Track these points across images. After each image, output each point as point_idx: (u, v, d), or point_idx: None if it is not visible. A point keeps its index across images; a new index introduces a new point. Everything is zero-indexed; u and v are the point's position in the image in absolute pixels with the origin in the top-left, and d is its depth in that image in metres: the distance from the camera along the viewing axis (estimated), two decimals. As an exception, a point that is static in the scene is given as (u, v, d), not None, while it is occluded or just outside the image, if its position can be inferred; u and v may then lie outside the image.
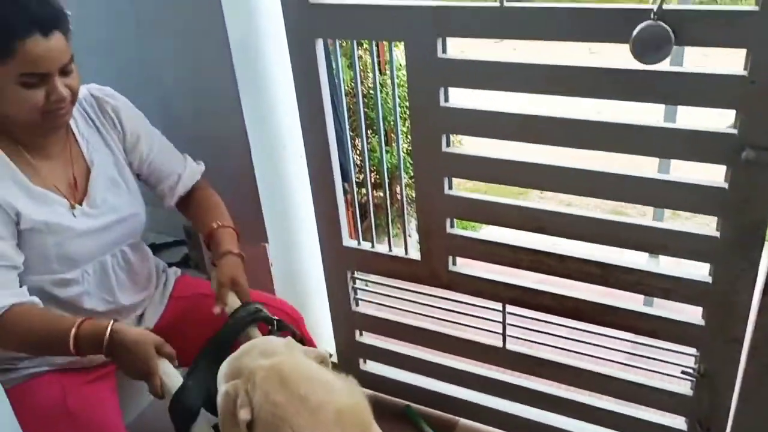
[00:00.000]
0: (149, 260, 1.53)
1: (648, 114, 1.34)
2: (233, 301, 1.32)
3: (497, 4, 1.29)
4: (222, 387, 1.02)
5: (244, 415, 0.97)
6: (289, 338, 1.15)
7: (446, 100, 1.47)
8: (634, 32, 1.17)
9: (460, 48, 1.42)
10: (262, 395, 0.98)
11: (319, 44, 1.55)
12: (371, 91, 3.34)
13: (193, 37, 1.54)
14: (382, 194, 1.83)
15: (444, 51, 1.42)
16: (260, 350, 1.07)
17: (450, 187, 1.58)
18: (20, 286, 1.24)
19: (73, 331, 1.17)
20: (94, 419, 1.29)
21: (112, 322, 1.19)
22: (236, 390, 0.99)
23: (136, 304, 1.47)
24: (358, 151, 3.38)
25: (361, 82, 3.54)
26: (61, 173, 1.32)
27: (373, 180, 3.62)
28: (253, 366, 1.02)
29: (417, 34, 1.40)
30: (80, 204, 1.33)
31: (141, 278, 1.48)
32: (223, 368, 1.08)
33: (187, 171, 1.50)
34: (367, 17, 1.45)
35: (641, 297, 1.69)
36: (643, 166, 1.43)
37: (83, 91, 1.35)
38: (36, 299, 1.25)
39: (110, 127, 1.39)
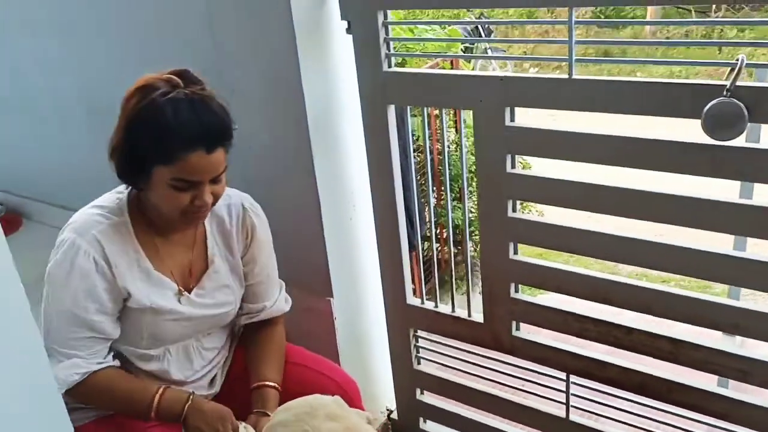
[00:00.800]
0: (225, 333, 1.57)
1: (723, 187, 1.30)
2: None
3: (566, 75, 1.31)
4: None
5: None
6: (338, 398, 1.20)
7: (513, 166, 1.48)
8: (706, 108, 1.15)
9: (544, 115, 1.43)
10: None
11: (391, 110, 1.60)
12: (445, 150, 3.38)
13: (273, 103, 1.62)
14: (448, 251, 1.85)
15: (512, 119, 1.43)
16: (326, 413, 1.13)
17: (515, 252, 1.58)
18: (108, 353, 1.33)
19: (155, 401, 1.30)
20: None
21: (191, 395, 1.33)
22: None
23: (210, 371, 1.53)
24: (427, 208, 3.42)
25: (437, 140, 3.62)
26: (180, 258, 1.39)
27: (442, 237, 3.66)
28: (325, 429, 1.12)
29: (485, 103, 1.43)
30: (189, 292, 1.40)
31: (217, 352, 1.54)
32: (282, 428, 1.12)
33: (275, 307, 1.54)
34: (437, 85, 1.49)
35: (715, 376, 1.61)
36: (717, 242, 1.38)
37: (237, 198, 1.45)
38: (118, 363, 1.34)
39: (241, 238, 1.46)
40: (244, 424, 1.37)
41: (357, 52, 1.56)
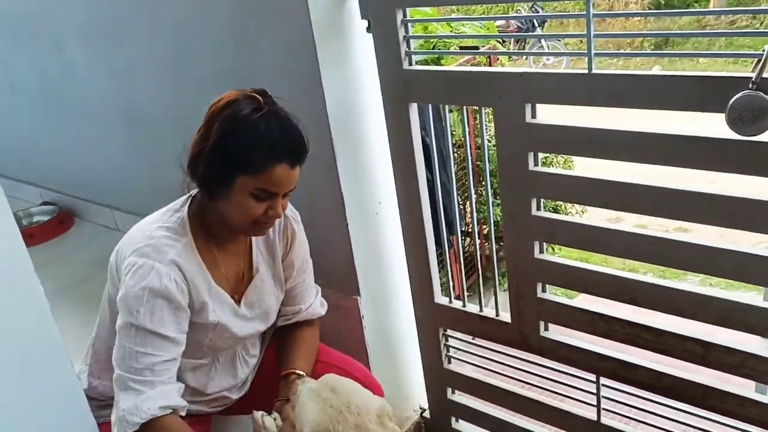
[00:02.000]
0: (263, 338, 1.61)
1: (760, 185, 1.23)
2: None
3: (585, 70, 1.27)
4: None
5: None
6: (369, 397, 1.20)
7: (536, 164, 1.45)
8: (731, 102, 1.10)
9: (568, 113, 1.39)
10: None
11: (413, 108, 1.59)
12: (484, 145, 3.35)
13: (295, 99, 1.63)
14: (489, 248, 1.82)
15: (533, 116, 1.40)
16: (354, 424, 1.17)
17: (541, 251, 1.55)
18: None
19: None
20: None
21: None
22: None
23: (248, 376, 1.57)
24: (468, 204, 3.38)
25: (477, 135, 3.57)
26: (234, 265, 1.43)
27: (482, 234, 3.60)
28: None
29: (504, 100, 1.40)
30: (239, 300, 1.43)
31: (257, 359, 1.59)
32: (308, 409, 1.16)
33: (310, 309, 1.56)
34: (457, 83, 1.47)
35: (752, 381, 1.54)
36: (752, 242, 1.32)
37: None
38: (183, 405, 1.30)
39: (281, 244, 1.49)
40: (274, 414, 1.38)
41: (377, 51, 1.56)
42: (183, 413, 1.28)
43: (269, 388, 1.50)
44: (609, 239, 1.41)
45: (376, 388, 1.54)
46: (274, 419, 1.36)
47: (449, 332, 1.86)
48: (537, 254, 1.54)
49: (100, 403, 1.45)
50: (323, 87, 1.55)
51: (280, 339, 1.58)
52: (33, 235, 2.79)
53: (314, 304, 1.58)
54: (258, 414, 1.34)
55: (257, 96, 1.29)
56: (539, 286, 1.58)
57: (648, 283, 1.42)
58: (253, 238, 1.45)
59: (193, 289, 1.31)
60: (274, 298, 1.50)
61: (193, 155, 1.30)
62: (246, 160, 1.25)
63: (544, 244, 1.55)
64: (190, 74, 1.97)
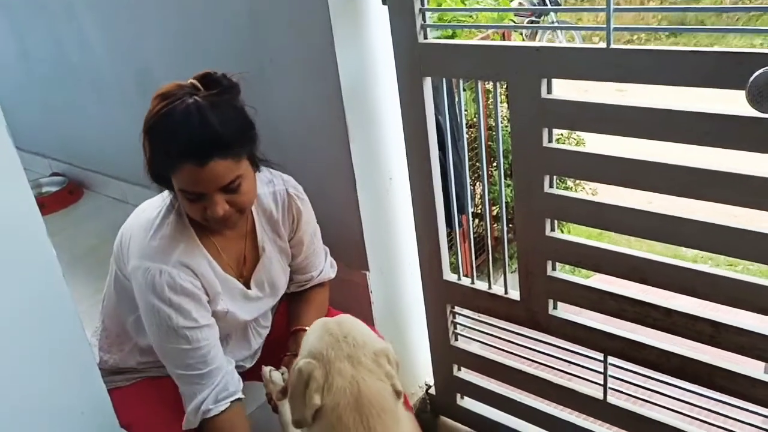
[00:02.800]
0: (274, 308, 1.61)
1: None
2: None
3: (603, 45, 1.25)
4: (300, 360, 1.14)
5: (317, 400, 1.09)
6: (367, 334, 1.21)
7: (550, 140, 1.44)
8: (751, 78, 1.08)
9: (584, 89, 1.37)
10: (332, 404, 1.09)
11: (427, 82, 1.57)
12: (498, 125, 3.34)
13: (307, 73, 1.62)
14: (500, 229, 1.81)
15: (549, 91, 1.39)
16: (347, 353, 1.14)
17: (552, 229, 1.54)
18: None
19: None
20: None
21: None
22: (310, 373, 1.11)
23: (260, 346, 1.59)
24: (479, 184, 3.37)
25: (490, 116, 3.55)
26: (234, 249, 1.41)
27: (492, 215, 3.58)
28: (336, 367, 1.12)
29: (520, 75, 1.38)
30: (246, 281, 1.43)
31: (269, 329, 1.60)
32: (310, 337, 1.19)
33: (321, 275, 1.58)
34: (473, 57, 1.46)
35: (762, 363, 1.54)
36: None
37: (281, 184, 1.45)
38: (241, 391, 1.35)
39: (288, 223, 1.48)
40: (282, 368, 1.40)
41: (392, 24, 1.54)
42: (242, 396, 1.33)
43: (279, 351, 1.51)
44: (621, 217, 1.40)
45: None
46: (282, 374, 1.38)
47: (457, 309, 1.86)
48: (548, 232, 1.54)
49: (111, 370, 1.46)
50: (337, 60, 1.54)
51: (290, 299, 1.59)
52: (42, 205, 2.79)
53: (324, 269, 1.59)
54: (266, 369, 1.35)
55: (195, 83, 1.22)
56: (549, 265, 1.58)
57: (659, 262, 1.41)
58: (257, 220, 1.42)
59: (205, 282, 1.31)
60: (282, 272, 1.50)
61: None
62: (158, 161, 1.21)
63: (555, 222, 1.54)
64: (203, 46, 1.96)
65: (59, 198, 3.00)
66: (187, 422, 1.29)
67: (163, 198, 1.34)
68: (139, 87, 2.45)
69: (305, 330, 1.42)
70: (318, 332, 1.20)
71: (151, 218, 1.33)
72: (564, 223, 3.23)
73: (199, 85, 1.23)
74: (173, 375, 1.29)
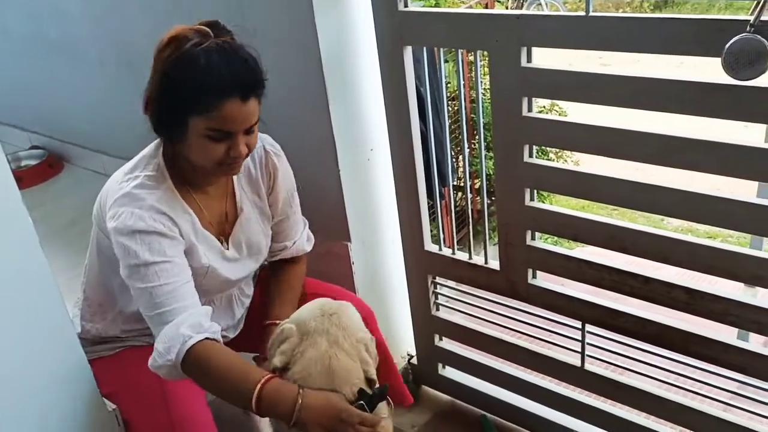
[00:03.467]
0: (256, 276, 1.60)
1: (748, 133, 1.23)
2: None
3: (583, 13, 1.25)
4: (287, 323, 1.22)
5: (276, 362, 1.17)
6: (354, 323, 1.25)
7: (530, 110, 1.44)
8: (727, 45, 1.08)
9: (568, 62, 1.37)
10: (304, 374, 1.15)
11: (408, 52, 1.56)
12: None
13: (285, 43, 1.61)
14: (480, 201, 1.82)
15: (529, 60, 1.38)
16: (327, 329, 1.19)
17: (531, 199, 1.55)
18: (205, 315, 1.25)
19: (256, 393, 1.13)
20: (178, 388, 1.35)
21: (299, 392, 1.13)
22: (286, 336, 1.19)
23: (243, 315, 1.58)
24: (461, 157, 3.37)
25: (471, 88, 3.54)
26: (216, 208, 1.39)
27: (474, 188, 3.60)
28: (313, 339, 1.18)
29: (501, 43, 1.38)
30: (226, 241, 1.41)
31: (251, 298, 1.59)
32: (304, 308, 1.26)
33: (295, 246, 1.55)
34: (453, 25, 1.45)
35: (734, 329, 1.57)
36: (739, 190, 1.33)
37: (258, 141, 1.39)
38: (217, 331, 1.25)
39: (265, 179, 1.45)
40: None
41: (372, -9, 1.53)
42: (218, 337, 1.23)
43: (261, 321, 1.51)
44: (599, 186, 1.42)
45: (367, 315, 1.56)
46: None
47: (438, 280, 1.88)
48: (527, 202, 1.54)
49: (94, 340, 1.46)
50: (317, 29, 1.52)
51: (265, 281, 1.58)
52: (21, 179, 2.77)
53: (299, 240, 1.56)
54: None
55: (204, 28, 1.22)
56: (528, 234, 1.59)
57: (636, 230, 1.43)
58: (235, 179, 1.41)
59: (182, 232, 1.29)
60: (262, 235, 1.48)
61: (146, 99, 1.25)
62: (192, 100, 1.18)
63: (535, 191, 1.55)
64: (183, 17, 1.92)
65: (39, 171, 2.97)
66: (153, 360, 1.20)
67: (138, 160, 1.34)
68: (119, 60, 2.42)
69: (276, 324, 1.36)
70: (312, 306, 1.25)
71: (126, 170, 1.32)
72: (546, 195, 3.26)
73: (208, 30, 1.22)
74: (147, 320, 1.24)
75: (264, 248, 1.50)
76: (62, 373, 1.25)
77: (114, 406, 1.35)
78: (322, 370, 1.14)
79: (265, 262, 1.56)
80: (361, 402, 1.13)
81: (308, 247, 1.59)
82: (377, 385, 1.21)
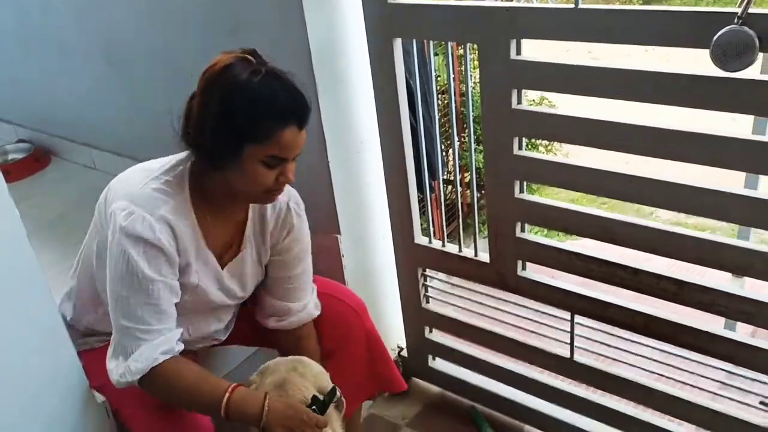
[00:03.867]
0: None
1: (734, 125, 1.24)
2: None
3: (572, 5, 1.25)
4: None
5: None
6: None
7: (519, 102, 1.44)
8: (716, 37, 1.09)
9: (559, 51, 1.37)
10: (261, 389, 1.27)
11: (397, 44, 1.56)
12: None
13: (274, 35, 1.60)
14: (470, 195, 1.82)
15: (518, 53, 1.39)
16: (290, 367, 1.32)
17: (521, 191, 1.55)
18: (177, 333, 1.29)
19: (225, 401, 1.22)
20: None
21: (266, 399, 1.22)
22: (251, 382, 1.31)
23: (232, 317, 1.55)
24: (451, 151, 3.38)
25: (461, 81, 3.54)
26: (223, 235, 1.38)
27: (464, 181, 3.62)
28: (272, 369, 1.32)
29: (490, 35, 1.38)
30: (222, 269, 1.39)
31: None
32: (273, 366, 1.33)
33: (308, 309, 1.50)
34: (442, 18, 1.45)
35: (722, 319, 1.58)
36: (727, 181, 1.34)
37: (285, 194, 1.39)
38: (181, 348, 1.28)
39: (276, 232, 1.44)
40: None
41: (361, -17, 1.52)
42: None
43: (251, 318, 1.51)
44: (587, 178, 1.42)
45: (360, 307, 1.57)
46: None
47: (428, 272, 1.88)
48: (517, 194, 1.55)
49: (85, 332, 1.45)
50: (306, 23, 1.52)
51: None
52: (8, 172, 2.74)
53: (309, 305, 1.51)
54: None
55: (248, 56, 1.23)
56: (518, 226, 1.60)
57: (626, 222, 1.43)
58: (250, 215, 1.40)
59: (182, 247, 1.28)
60: (252, 276, 1.46)
61: (193, 124, 1.23)
62: (253, 128, 1.20)
63: (524, 184, 1.55)
64: (170, 13, 1.92)
65: (25, 165, 2.93)
66: (122, 377, 1.22)
67: (163, 164, 1.32)
68: (105, 53, 2.39)
69: None
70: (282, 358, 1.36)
71: (152, 168, 1.31)
72: (536, 188, 3.28)
73: (252, 59, 1.22)
74: (117, 326, 1.24)
75: (248, 291, 1.48)
76: (51, 367, 1.25)
77: (103, 399, 1.34)
78: (276, 383, 1.26)
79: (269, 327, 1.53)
80: (314, 407, 1.24)
81: (316, 312, 1.53)
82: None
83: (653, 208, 1.40)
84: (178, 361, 1.24)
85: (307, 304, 1.50)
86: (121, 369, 1.22)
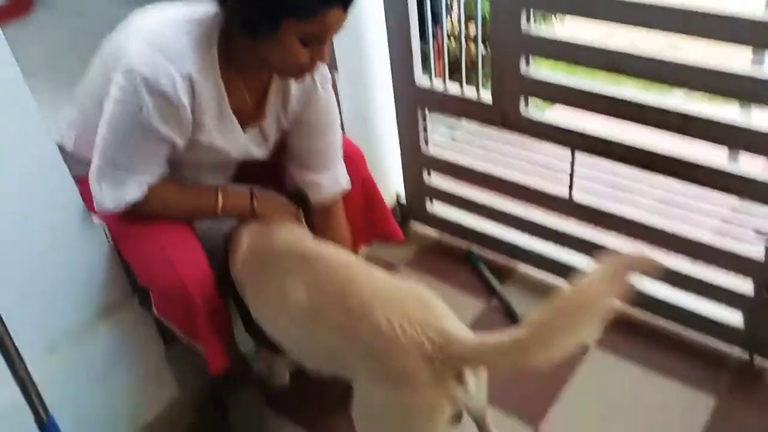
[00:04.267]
0: None
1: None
2: None
3: None
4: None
5: None
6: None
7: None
8: None
9: None
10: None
11: None
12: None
13: None
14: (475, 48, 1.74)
15: None
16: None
17: (527, 21, 1.48)
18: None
19: (220, 205, 1.35)
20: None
21: (250, 194, 1.37)
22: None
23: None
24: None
25: None
26: (248, 99, 1.33)
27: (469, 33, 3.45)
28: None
29: None
30: (245, 131, 1.35)
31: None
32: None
33: (336, 177, 1.47)
34: None
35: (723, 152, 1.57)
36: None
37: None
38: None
39: (299, 105, 1.39)
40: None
41: None
42: None
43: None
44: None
45: (356, 156, 1.55)
46: None
47: (429, 113, 1.85)
48: (524, 26, 1.48)
49: (83, 160, 1.43)
50: None
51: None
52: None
53: (337, 172, 1.48)
54: None
55: None
56: (523, 61, 1.54)
57: (632, 55, 1.39)
58: (274, 84, 1.35)
59: (200, 106, 1.24)
60: (274, 142, 1.43)
61: None
62: (297, 3, 1.13)
63: (532, 13, 1.48)
64: None
65: (7, 11, 2.80)
66: (104, 203, 1.25)
67: (190, 14, 1.24)
68: None
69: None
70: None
71: (178, 19, 1.23)
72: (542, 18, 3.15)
73: None
74: (101, 153, 1.23)
75: (271, 149, 1.44)
76: (47, 190, 1.25)
77: (101, 222, 1.36)
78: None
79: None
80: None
81: (346, 185, 1.49)
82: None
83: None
84: (162, 183, 1.28)
85: (338, 172, 1.48)
86: (111, 197, 1.24)
